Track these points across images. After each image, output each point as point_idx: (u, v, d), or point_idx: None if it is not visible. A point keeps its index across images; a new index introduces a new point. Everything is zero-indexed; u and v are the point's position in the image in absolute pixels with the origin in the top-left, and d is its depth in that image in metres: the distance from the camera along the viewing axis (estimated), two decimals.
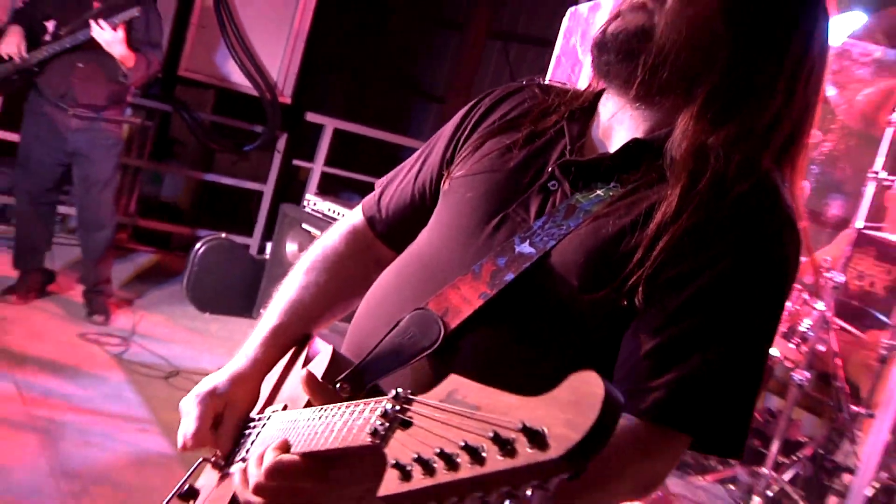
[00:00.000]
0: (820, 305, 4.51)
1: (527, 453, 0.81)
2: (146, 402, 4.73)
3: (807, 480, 4.61)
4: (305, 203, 6.30)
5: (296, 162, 8.18)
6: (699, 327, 1.27)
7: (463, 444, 0.86)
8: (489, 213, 1.43)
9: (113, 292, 5.97)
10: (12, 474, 3.72)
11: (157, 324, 5.99)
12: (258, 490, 1.24)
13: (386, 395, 1.03)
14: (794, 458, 4.65)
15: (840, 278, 4.55)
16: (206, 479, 1.56)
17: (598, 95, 1.52)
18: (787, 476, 4.53)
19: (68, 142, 5.48)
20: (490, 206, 1.43)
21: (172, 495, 1.55)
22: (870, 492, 4.11)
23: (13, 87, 5.59)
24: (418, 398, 1.00)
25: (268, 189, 8.03)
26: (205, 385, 1.53)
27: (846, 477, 4.51)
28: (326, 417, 1.20)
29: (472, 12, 9.71)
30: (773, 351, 4.76)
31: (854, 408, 4.54)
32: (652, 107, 1.40)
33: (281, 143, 7.94)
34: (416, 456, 0.91)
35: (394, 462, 0.95)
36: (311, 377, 1.34)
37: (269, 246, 6.80)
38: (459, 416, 0.92)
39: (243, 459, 1.42)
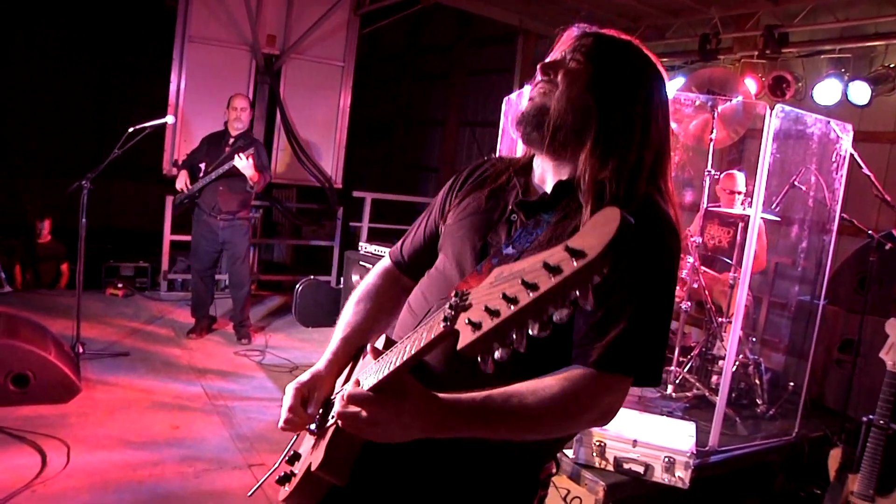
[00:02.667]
0: (690, 259, 4.54)
1: (572, 266, 0.76)
2: (280, 388, 4.72)
3: (698, 369, 4.57)
4: (360, 249, 6.27)
5: (351, 223, 8.10)
6: (620, 304, 1.22)
7: (521, 281, 0.79)
8: (475, 241, 1.39)
9: (251, 324, 6.00)
10: (207, 441, 3.83)
11: (280, 339, 6.04)
12: (340, 414, 1.12)
13: None
14: (689, 357, 4.62)
15: (699, 240, 4.59)
16: (305, 446, 1.41)
17: (532, 157, 1.46)
18: (686, 368, 4.51)
19: (219, 235, 5.57)
20: (475, 237, 1.39)
21: (283, 457, 1.42)
22: (733, 368, 4.20)
23: (184, 208, 5.72)
24: (472, 289, 0.91)
25: (336, 243, 7.96)
26: (295, 381, 1.39)
27: (721, 363, 4.45)
28: (396, 348, 1.10)
29: (448, 113, 9.83)
30: None
31: (720, 319, 4.53)
32: (563, 158, 1.36)
33: (340, 213, 7.87)
34: (484, 307, 0.83)
35: (466, 321, 0.85)
36: (374, 349, 1.27)
37: (341, 279, 6.71)
38: (509, 281, 0.84)
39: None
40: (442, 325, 0.92)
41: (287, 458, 1.42)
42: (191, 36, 6.71)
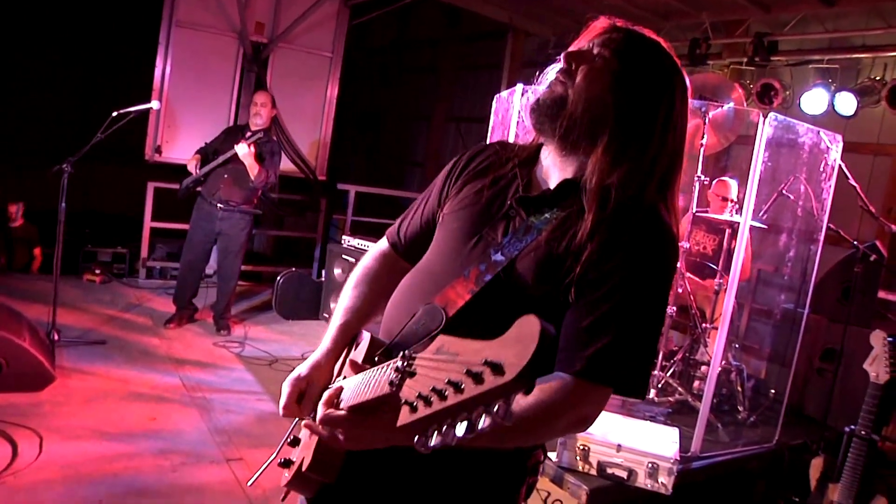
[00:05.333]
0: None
1: (491, 380, 0.80)
2: (259, 381, 4.74)
3: (681, 373, 4.54)
4: (343, 242, 6.20)
5: (334, 216, 8.09)
6: (610, 312, 1.20)
7: (447, 380, 0.84)
8: (470, 235, 1.35)
9: (231, 315, 5.90)
10: (185, 434, 3.76)
11: (260, 331, 5.96)
12: (322, 428, 1.21)
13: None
14: (672, 361, 4.58)
15: (686, 245, 4.57)
16: (304, 433, 1.43)
17: (539, 147, 1.42)
18: (668, 373, 4.47)
19: (216, 225, 5.48)
20: (470, 231, 1.36)
21: (283, 442, 1.44)
22: (717, 373, 4.19)
23: (189, 192, 5.62)
24: (418, 355, 0.98)
25: (318, 235, 7.93)
26: (294, 372, 1.40)
27: (704, 368, 4.50)
28: (367, 378, 1.17)
29: (435, 107, 9.79)
30: None
31: (704, 324, 4.54)
32: (573, 155, 1.32)
33: (323, 205, 7.82)
34: (418, 394, 0.89)
35: (404, 401, 0.92)
36: (353, 362, 1.31)
37: (323, 272, 6.65)
38: (446, 363, 0.90)
39: None
40: (388, 387, 1.01)
41: (288, 441, 1.46)
42: (178, 20, 6.56)
